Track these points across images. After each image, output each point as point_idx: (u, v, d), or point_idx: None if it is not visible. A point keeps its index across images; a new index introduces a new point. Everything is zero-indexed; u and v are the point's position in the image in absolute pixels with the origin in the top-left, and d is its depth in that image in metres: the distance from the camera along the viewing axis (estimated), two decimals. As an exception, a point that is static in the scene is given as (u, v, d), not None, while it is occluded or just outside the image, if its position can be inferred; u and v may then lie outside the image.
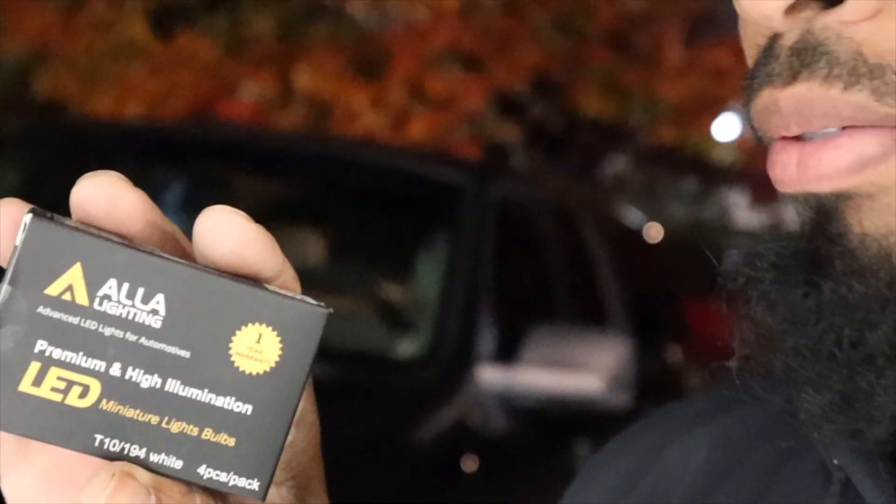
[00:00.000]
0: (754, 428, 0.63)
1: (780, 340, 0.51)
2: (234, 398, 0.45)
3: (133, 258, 0.44)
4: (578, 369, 3.29)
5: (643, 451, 0.67)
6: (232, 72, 8.09)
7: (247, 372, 0.45)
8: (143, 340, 0.44)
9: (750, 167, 15.16)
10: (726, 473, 0.62)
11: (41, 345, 0.44)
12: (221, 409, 0.45)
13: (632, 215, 6.03)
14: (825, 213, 0.50)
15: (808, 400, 0.51)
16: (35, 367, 0.44)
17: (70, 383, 0.44)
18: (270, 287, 0.46)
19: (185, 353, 0.45)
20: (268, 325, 0.45)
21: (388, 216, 3.86)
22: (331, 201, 3.99)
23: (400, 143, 7.36)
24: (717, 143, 12.99)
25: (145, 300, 0.44)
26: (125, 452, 0.45)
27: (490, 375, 3.21)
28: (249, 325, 0.45)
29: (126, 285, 0.44)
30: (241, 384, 0.45)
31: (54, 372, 0.44)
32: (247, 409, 0.46)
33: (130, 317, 0.44)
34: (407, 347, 3.36)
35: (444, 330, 3.22)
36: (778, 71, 0.50)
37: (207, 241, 0.46)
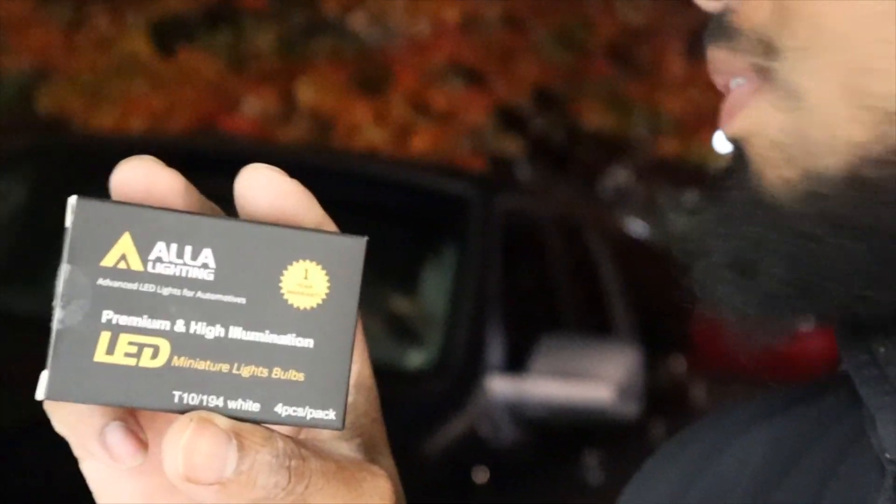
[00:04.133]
0: (810, 427, 0.63)
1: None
2: (294, 334, 0.47)
3: (176, 219, 0.46)
4: (587, 380, 3.29)
5: (700, 453, 0.67)
6: (234, 87, 8.10)
7: (301, 307, 0.47)
8: (199, 294, 0.46)
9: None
10: (783, 472, 0.62)
11: (107, 314, 0.45)
12: (285, 346, 0.47)
13: (635, 227, 6.03)
14: (736, 155, 0.60)
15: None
16: (106, 336, 0.45)
17: (141, 346, 0.45)
18: (308, 227, 0.48)
19: (241, 300, 0.46)
20: (312, 261, 0.47)
21: (396, 229, 3.86)
22: (337, 215, 3.99)
23: (403, 156, 7.37)
24: (718, 156, 13.00)
25: (194, 256, 0.46)
26: (204, 404, 0.46)
27: (499, 386, 3.21)
28: (295, 263, 0.47)
29: (174, 246, 0.46)
30: (297, 320, 0.47)
31: (124, 338, 0.45)
32: (308, 342, 0.47)
33: (184, 274, 0.46)
34: (416, 359, 3.36)
35: (453, 341, 3.22)
36: (712, 30, 0.60)
37: (248, 197, 0.48)
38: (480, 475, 3.09)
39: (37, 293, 3.62)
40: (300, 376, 0.47)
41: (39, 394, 0.45)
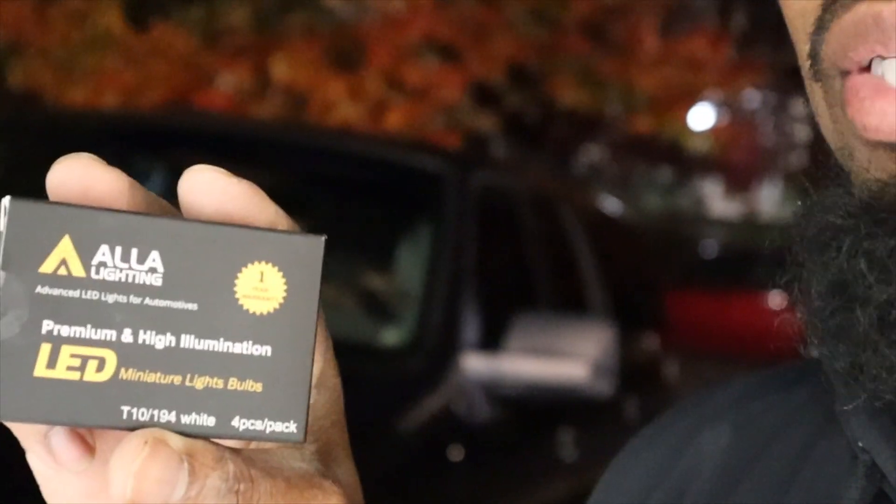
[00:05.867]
0: (783, 413, 0.63)
1: (869, 293, 0.49)
2: (250, 342, 0.44)
3: (119, 220, 0.43)
4: (561, 357, 3.30)
5: (679, 435, 0.67)
6: (208, 62, 8.07)
7: (257, 313, 0.44)
8: (147, 301, 0.43)
9: (725, 157, 15.22)
10: (755, 458, 0.62)
11: (47, 325, 0.42)
12: (241, 355, 0.44)
13: (609, 204, 6.04)
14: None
15: (868, 361, 0.49)
16: (46, 348, 0.42)
17: (85, 359, 0.42)
18: (262, 227, 0.45)
19: (193, 306, 0.44)
20: (267, 262, 0.44)
21: (370, 205, 3.85)
22: (312, 191, 3.98)
23: (378, 132, 7.36)
24: (692, 133, 13.05)
25: (141, 260, 0.43)
26: (155, 419, 0.43)
27: (474, 364, 3.21)
28: (249, 265, 0.44)
29: (119, 249, 0.43)
30: (254, 326, 0.44)
31: (66, 350, 0.42)
32: (266, 350, 0.44)
33: (130, 279, 0.43)
34: (391, 337, 3.35)
35: (428, 319, 3.22)
36: None
37: (192, 202, 0.45)
38: (455, 453, 3.10)
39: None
40: (258, 386, 0.44)
41: None
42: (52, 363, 0.42)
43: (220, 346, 0.44)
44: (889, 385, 0.49)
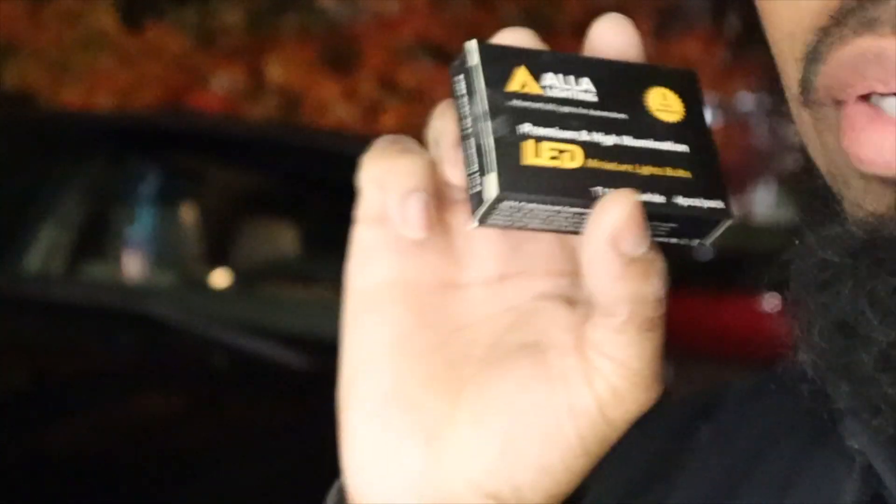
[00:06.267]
0: (779, 416, 0.63)
1: (872, 334, 0.49)
2: (672, 142, 0.54)
3: (555, 56, 0.54)
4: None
5: (674, 436, 0.66)
6: (202, 63, 8.06)
7: (668, 121, 0.54)
8: (590, 112, 0.53)
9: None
10: (751, 461, 0.62)
11: (526, 127, 0.52)
12: (668, 151, 0.54)
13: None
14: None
15: (847, 396, 0.50)
16: (531, 143, 0.52)
17: (561, 151, 0.52)
18: (652, 63, 0.56)
19: (623, 116, 0.54)
20: (664, 86, 0.55)
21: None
22: (305, 191, 3.98)
23: (372, 134, 7.35)
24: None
25: (577, 83, 0.54)
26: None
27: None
28: (653, 88, 0.55)
29: (560, 75, 0.54)
30: (670, 131, 0.54)
31: (546, 145, 0.52)
32: (684, 148, 0.54)
33: (574, 97, 0.53)
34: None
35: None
36: (885, 18, 0.47)
37: (602, 40, 0.54)
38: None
39: (3, 269, 3.59)
40: (688, 174, 0.53)
41: (491, 191, 0.51)
42: (538, 154, 0.52)
43: (651, 144, 0.53)
44: (892, 420, 0.49)
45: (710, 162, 0.54)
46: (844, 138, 0.50)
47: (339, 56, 8.05)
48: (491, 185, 0.51)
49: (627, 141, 0.53)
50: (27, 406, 2.52)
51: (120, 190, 3.90)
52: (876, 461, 0.54)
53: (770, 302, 11.55)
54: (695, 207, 0.53)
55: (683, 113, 0.55)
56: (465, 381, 0.52)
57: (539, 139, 0.52)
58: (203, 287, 3.74)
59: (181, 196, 3.92)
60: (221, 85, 8.11)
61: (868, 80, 0.48)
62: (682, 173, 0.53)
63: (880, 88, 0.48)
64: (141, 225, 3.80)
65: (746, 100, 15.28)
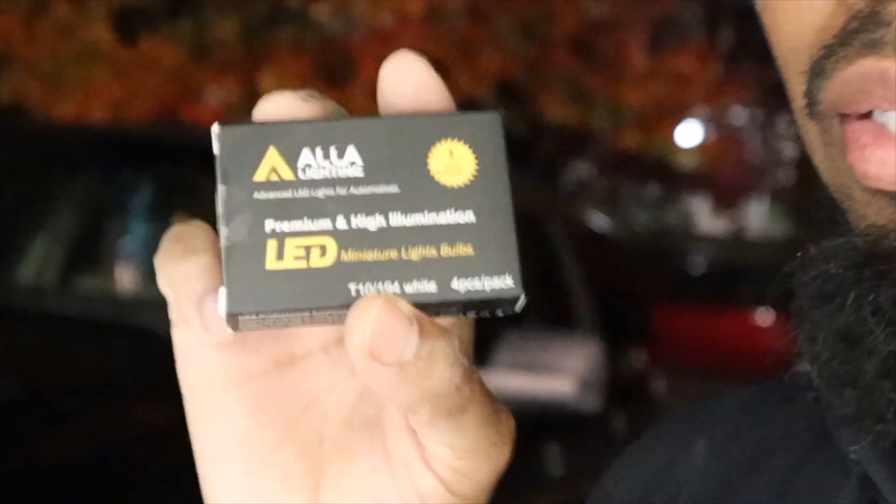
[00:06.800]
0: (776, 427, 0.63)
1: (876, 344, 0.49)
2: (452, 210, 0.47)
3: (314, 127, 0.48)
4: (549, 373, 3.30)
5: (672, 447, 0.67)
6: (196, 76, 8.07)
7: (453, 185, 0.48)
8: (353, 190, 0.47)
9: (712, 173, 15.25)
10: (748, 471, 0.62)
11: (270, 224, 0.46)
12: (447, 224, 0.47)
13: (597, 220, 6.05)
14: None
15: (849, 402, 0.50)
16: (273, 244, 0.46)
17: (308, 248, 0.46)
18: (442, 112, 0.49)
19: (394, 188, 0.47)
20: (454, 139, 0.48)
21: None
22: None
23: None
24: (679, 149, 13.06)
25: (340, 156, 0.47)
26: (381, 291, 0.46)
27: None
28: (438, 144, 0.48)
29: (319, 150, 0.47)
30: (453, 197, 0.48)
31: (291, 242, 0.46)
32: (469, 216, 0.48)
33: (334, 174, 0.47)
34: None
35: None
36: (888, 39, 0.47)
37: (392, 87, 0.48)
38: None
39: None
40: (468, 249, 0.47)
41: (220, 309, 0.46)
42: (280, 255, 0.46)
43: (426, 218, 0.47)
44: (894, 426, 0.49)
45: (500, 229, 0.48)
46: (849, 155, 0.50)
47: (334, 69, 8.06)
48: (221, 301, 0.46)
49: (396, 220, 0.47)
50: (21, 417, 2.52)
51: (113, 202, 3.90)
52: (872, 471, 0.55)
53: (763, 316, 11.49)
54: (475, 290, 0.47)
55: (475, 170, 0.48)
56: (320, 469, 0.51)
57: (283, 237, 0.46)
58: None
59: (174, 208, 3.92)
60: (216, 97, 8.11)
61: (873, 99, 0.48)
62: (461, 250, 0.47)
63: (885, 106, 0.49)
64: (134, 237, 3.80)
65: (740, 114, 15.31)
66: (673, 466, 0.66)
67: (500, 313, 0.48)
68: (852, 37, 0.49)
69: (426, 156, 0.48)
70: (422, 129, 0.48)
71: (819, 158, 0.54)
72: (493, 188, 0.48)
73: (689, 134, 13.38)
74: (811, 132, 0.53)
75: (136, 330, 3.01)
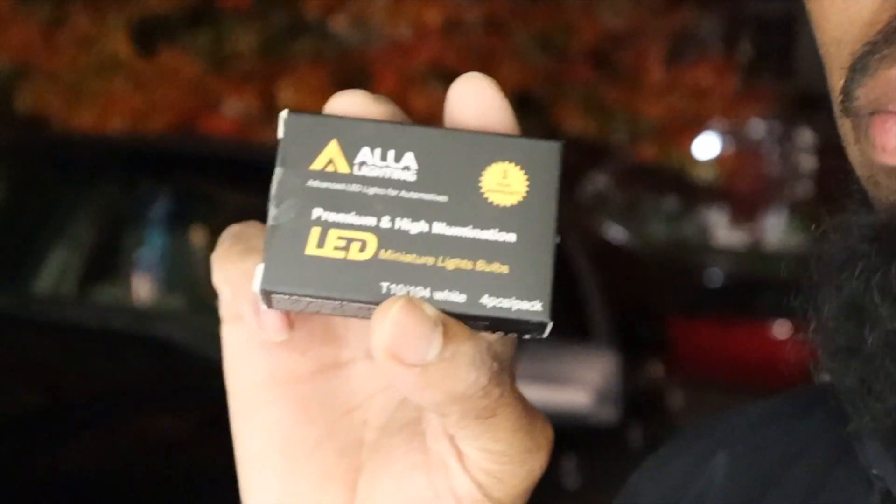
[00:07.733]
0: (798, 439, 0.63)
1: (879, 317, 0.49)
2: (496, 229, 0.48)
3: (379, 128, 0.49)
4: (565, 384, 3.30)
5: (693, 459, 0.66)
6: (215, 87, 8.08)
7: (501, 205, 0.48)
8: (402, 193, 0.48)
9: (730, 186, 15.23)
10: (769, 486, 0.62)
11: (317, 212, 0.48)
12: (488, 241, 0.48)
13: (614, 232, 6.04)
14: None
15: (875, 393, 0.50)
16: (316, 231, 0.48)
17: (349, 241, 0.48)
18: (505, 133, 0.50)
19: (443, 198, 0.48)
20: (510, 162, 0.49)
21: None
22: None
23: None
24: (697, 162, 13.05)
25: (397, 159, 0.49)
26: (411, 294, 0.47)
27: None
28: (494, 164, 0.49)
29: (378, 150, 0.49)
30: (498, 216, 0.48)
31: (334, 233, 0.48)
32: (511, 237, 0.48)
33: (388, 175, 0.48)
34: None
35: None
36: None
37: (459, 104, 0.49)
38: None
39: (15, 291, 3.60)
40: (504, 269, 0.48)
41: (255, 285, 0.47)
42: (321, 243, 0.48)
43: (469, 232, 0.48)
44: (893, 404, 0.49)
45: (539, 255, 0.48)
46: (872, 129, 0.50)
47: (352, 80, 8.07)
48: (257, 277, 0.48)
49: (439, 228, 0.48)
50: (38, 427, 2.53)
51: (131, 213, 3.91)
52: (895, 487, 0.54)
53: (781, 328, 11.44)
54: (502, 309, 0.47)
55: (525, 194, 0.49)
56: (357, 470, 0.51)
57: (327, 226, 0.48)
58: (213, 310, 3.74)
59: (192, 219, 3.93)
60: (234, 109, 8.13)
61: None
62: (497, 268, 0.48)
63: None
64: (151, 248, 3.81)
65: (758, 127, 15.29)
66: (693, 479, 0.65)
67: (526, 336, 0.48)
68: (893, 36, 0.49)
69: (480, 172, 0.49)
70: (481, 147, 0.49)
71: (852, 152, 0.54)
72: (539, 214, 0.49)
73: (707, 147, 13.37)
74: (846, 127, 0.54)
75: (153, 340, 3.02)
